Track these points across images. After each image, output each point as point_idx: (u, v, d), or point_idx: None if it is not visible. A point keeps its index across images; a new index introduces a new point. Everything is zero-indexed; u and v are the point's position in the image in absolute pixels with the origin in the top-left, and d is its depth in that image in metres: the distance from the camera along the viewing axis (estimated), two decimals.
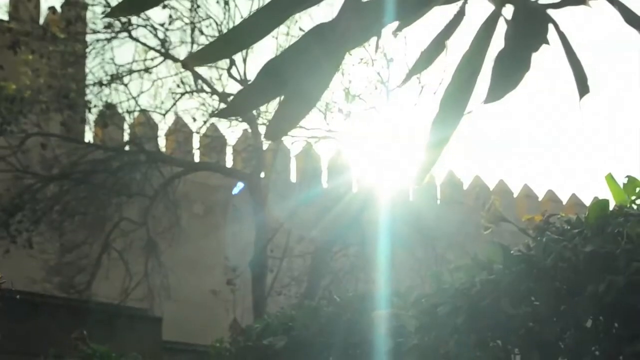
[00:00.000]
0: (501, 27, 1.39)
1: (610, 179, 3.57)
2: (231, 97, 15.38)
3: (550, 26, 1.38)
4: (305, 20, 13.26)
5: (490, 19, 1.38)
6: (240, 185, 16.30)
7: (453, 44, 1.47)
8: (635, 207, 3.51)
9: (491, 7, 1.39)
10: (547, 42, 1.36)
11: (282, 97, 1.30)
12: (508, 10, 1.39)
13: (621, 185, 3.56)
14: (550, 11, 1.38)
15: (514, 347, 3.56)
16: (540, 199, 22.45)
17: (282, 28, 12.48)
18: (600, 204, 3.44)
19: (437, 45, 1.42)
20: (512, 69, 1.36)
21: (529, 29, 1.35)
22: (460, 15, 1.41)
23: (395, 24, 1.38)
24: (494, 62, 1.37)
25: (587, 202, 21.34)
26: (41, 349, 7.46)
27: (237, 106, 1.44)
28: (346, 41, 1.29)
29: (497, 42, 1.40)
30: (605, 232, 3.35)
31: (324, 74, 1.29)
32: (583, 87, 1.41)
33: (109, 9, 15.09)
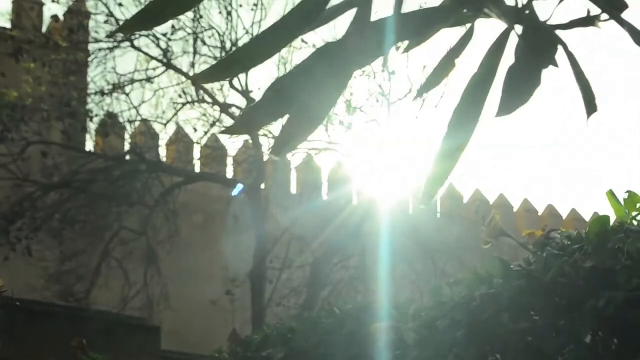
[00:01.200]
0: (511, 43, 1.40)
1: (610, 194, 3.58)
2: (232, 108, 15.46)
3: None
4: (308, 32, 13.28)
5: (501, 36, 1.39)
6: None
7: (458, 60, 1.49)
8: (635, 223, 3.51)
9: (497, 26, 1.40)
10: (555, 64, 1.37)
11: (290, 114, 1.31)
12: (518, 29, 1.40)
13: (621, 201, 3.56)
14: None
15: None
16: (539, 214, 22.47)
17: None
18: (600, 220, 3.45)
19: (447, 62, 1.43)
20: (523, 83, 1.36)
21: (538, 48, 1.36)
22: (469, 34, 1.42)
23: (402, 43, 1.39)
24: (505, 76, 1.38)
25: (587, 217, 21.34)
26: (40, 357, 7.44)
27: (245, 123, 1.45)
28: (353, 61, 1.31)
29: (508, 57, 1.41)
30: (606, 248, 3.35)
31: (330, 93, 1.30)
32: (591, 106, 1.42)
33: (111, 18, 15.14)
